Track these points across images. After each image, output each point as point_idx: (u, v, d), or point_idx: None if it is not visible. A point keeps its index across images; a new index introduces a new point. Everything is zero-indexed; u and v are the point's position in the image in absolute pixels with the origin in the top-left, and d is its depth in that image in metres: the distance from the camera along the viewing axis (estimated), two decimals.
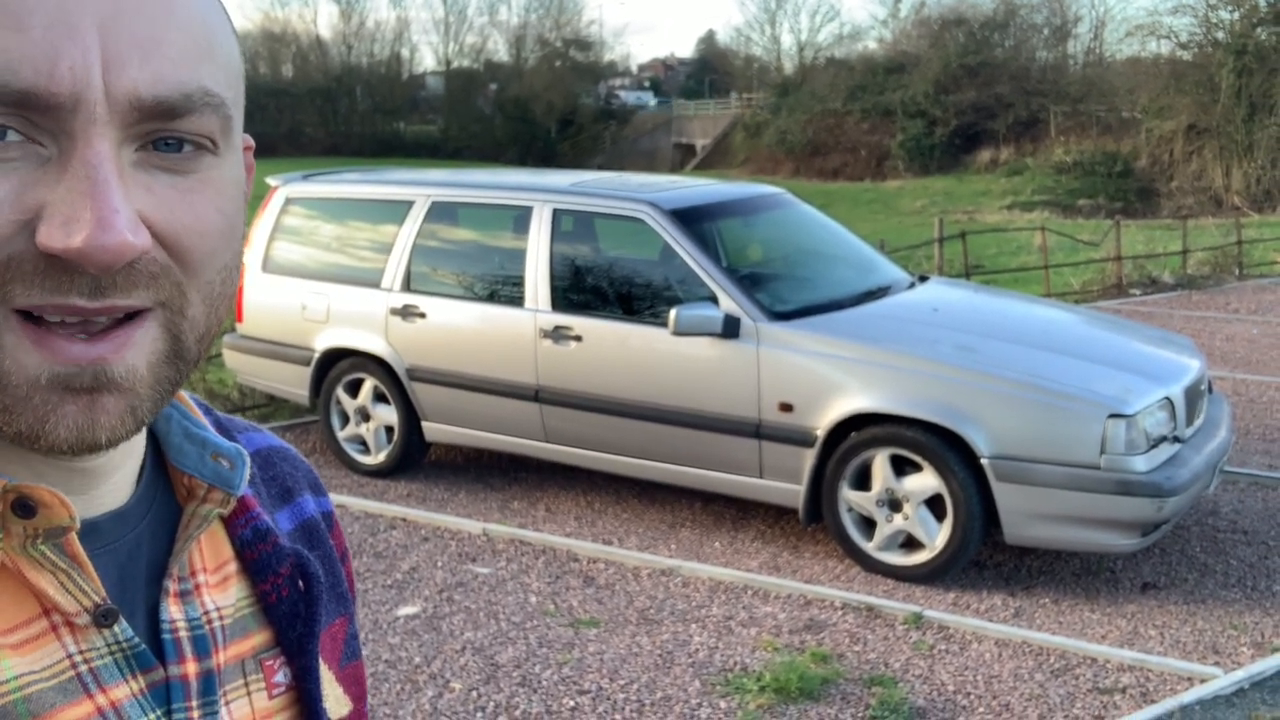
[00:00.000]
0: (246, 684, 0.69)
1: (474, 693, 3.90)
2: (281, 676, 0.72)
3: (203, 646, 0.66)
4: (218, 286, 0.61)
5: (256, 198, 6.03)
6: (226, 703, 0.67)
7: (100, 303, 0.56)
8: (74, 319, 0.56)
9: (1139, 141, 33.18)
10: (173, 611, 0.66)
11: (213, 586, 0.69)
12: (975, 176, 36.54)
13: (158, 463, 0.70)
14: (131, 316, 0.57)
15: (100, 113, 0.54)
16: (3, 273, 0.54)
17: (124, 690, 0.62)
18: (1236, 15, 30.59)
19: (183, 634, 0.66)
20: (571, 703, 3.84)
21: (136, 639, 0.63)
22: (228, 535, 0.72)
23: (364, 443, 6.24)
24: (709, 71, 66.73)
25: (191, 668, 0.65)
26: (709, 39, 76.14)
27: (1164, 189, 31.20)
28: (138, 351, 0.58)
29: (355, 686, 0.79)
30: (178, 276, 0.58)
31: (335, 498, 5.81)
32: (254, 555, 0.71)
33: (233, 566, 0.71)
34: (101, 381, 0.57)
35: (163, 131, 0.57)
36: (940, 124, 39.18)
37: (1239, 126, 29.40)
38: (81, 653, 0.61)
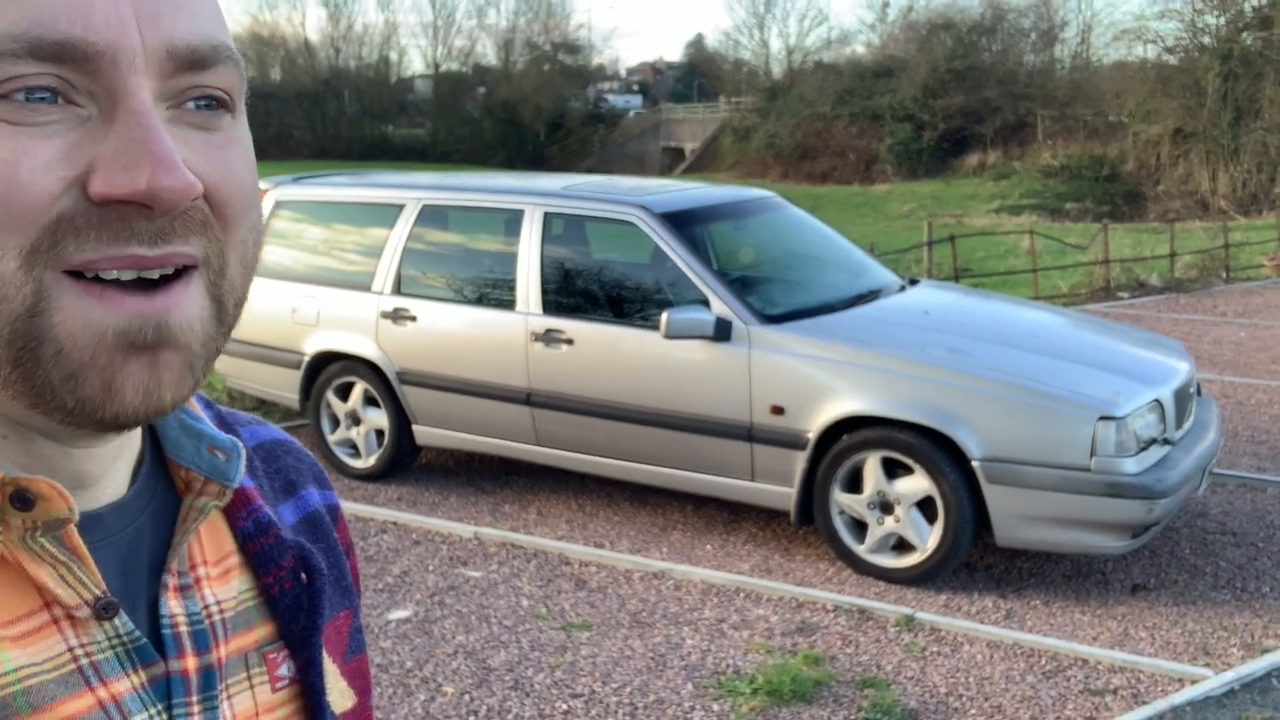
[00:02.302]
0: (249, 677, 0.69)
1: (466, 696, 3.89)
2: (285, 670, 0.71)
3: (202, 642, 0.66)
4: (250, 248, 0.63)
5: None
6: (229, 696, 0.67)
7: (160, 250, 0.57)
8: (130, 275, 0.56)
9: (1126, 145, 33.36)
10: (172, 606, 0.66)
11: (214, 579, 0.69)
12: (963, 180, 36.66)
13: (157, 456, 0.70)
14: (179, 274, 0.58)
15: (139, 63, 0.56)
16: (54, 230, 0.55)
17: (125, 684, 0.62)
18: (1222, 20, 30.79)
19: (182, 629, 0.65)
20: (564, 706, 3.84)
21: (137, 632, 0.63)
22: (230, 528, 0.72)
23: (354, 446, 6.22)
24: (697, 75, 66.78)
25: (191, 663, 0.65)
26: (697, 43, 76.29)
27: (1151, 193, 31.37)
28: (192, 306, 0.59)
29: (360, 680, 0.79)
30: (218, 232, 0.60)
31: None
32: (256, 548, 0.71)
33: (235, 559, 0.71)
34: (163, 335, 0.57)
35: (193, 88, 0.59)
36: (928, 128, 39.32)
37: (1225, 131, 29.58)
38: (82, 646, 0.61)
